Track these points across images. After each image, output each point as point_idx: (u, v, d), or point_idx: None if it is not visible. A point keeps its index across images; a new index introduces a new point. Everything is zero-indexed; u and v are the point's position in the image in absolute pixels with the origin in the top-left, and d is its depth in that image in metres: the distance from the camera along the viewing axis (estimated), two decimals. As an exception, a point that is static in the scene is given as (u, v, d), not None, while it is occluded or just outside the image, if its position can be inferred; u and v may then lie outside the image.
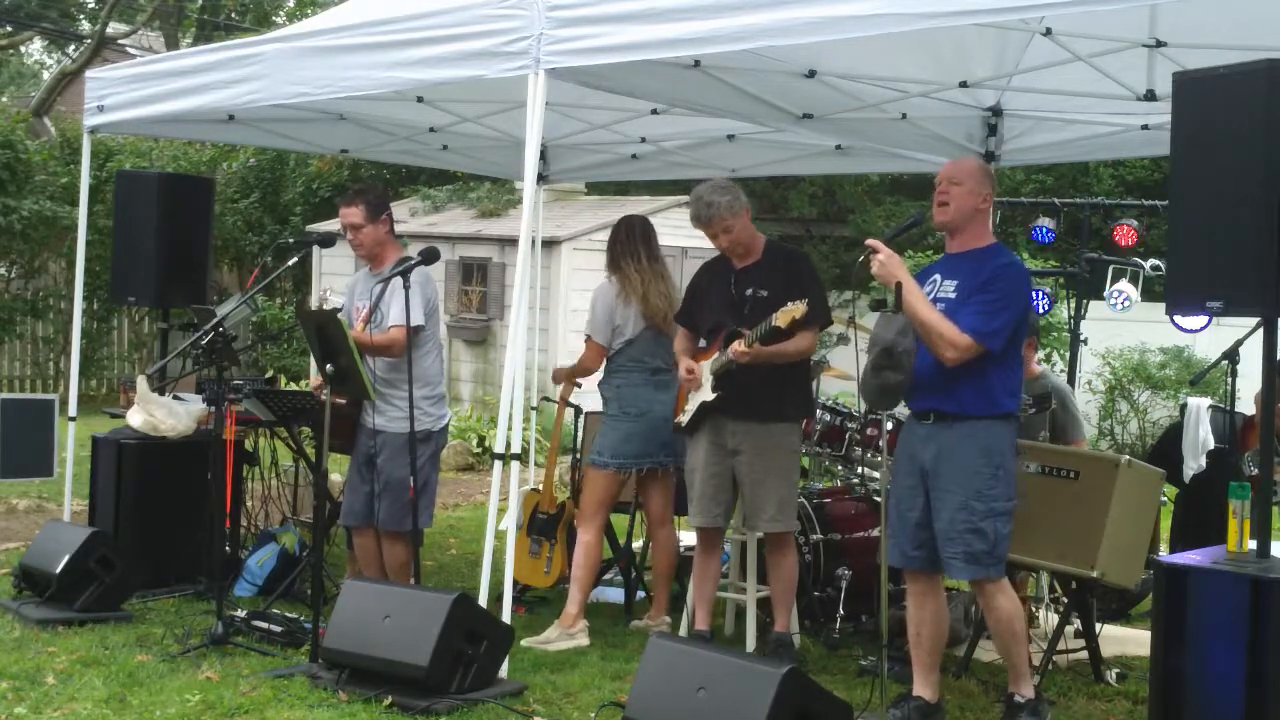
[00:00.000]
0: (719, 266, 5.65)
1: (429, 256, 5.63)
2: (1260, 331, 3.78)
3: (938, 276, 4.70)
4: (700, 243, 16.01)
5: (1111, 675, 5.44)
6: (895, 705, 4.68)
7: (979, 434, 4.51)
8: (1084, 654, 5.54)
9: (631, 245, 6.04)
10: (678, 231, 14.52)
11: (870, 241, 4.56)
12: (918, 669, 4.72)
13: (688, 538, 7.03)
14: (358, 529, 5.95)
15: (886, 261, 4.49)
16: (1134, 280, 8.76)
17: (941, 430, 4.56)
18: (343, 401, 5.57)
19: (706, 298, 5.63)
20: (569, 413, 6.89)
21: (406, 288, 5.42)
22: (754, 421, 5.41)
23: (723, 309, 5.49)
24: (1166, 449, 6.71)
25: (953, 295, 4.58)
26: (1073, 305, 8.76)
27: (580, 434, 6.93)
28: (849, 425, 6.19)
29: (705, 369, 5.48)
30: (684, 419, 5.59)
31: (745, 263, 5.52)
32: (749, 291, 5.43)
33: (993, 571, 4.54)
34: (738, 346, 5.23)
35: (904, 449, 4.75)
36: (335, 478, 7.01)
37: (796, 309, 5.06)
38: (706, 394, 5.45)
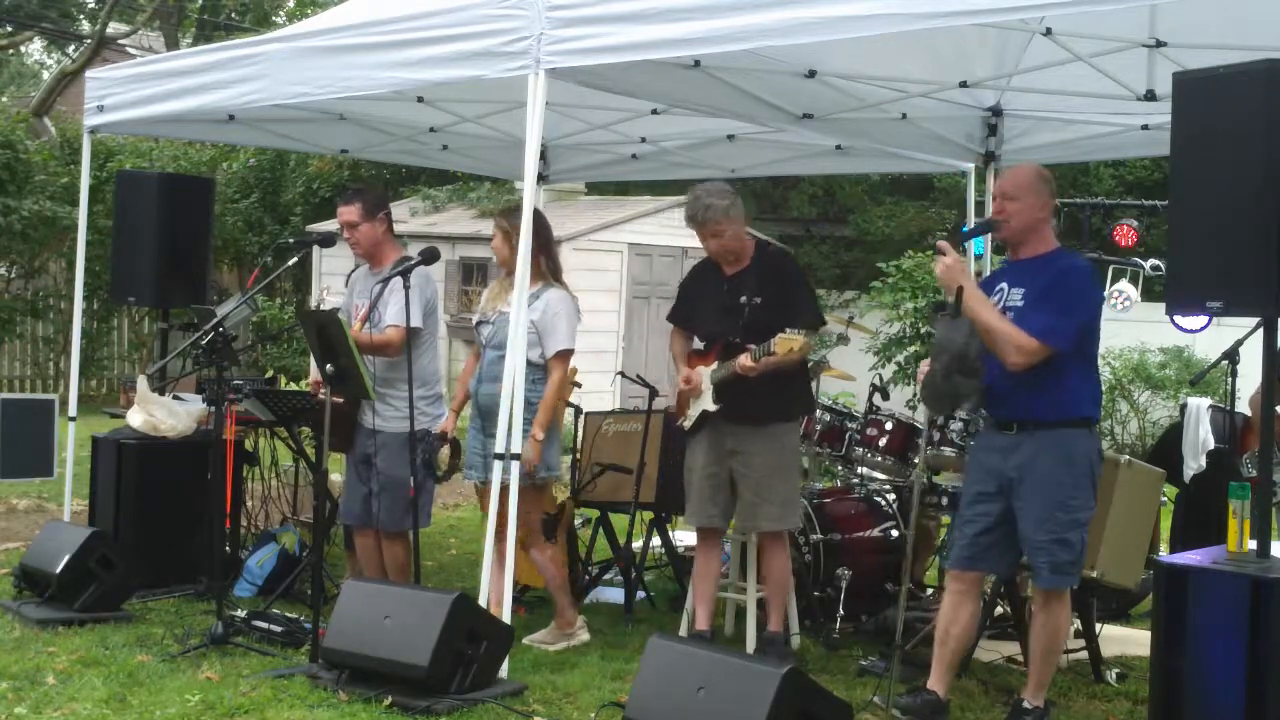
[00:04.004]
0: (709, 270, 5.66)
1: (429, 256, 5.63)
2: (1260, 331, 3.78)
3: (1004, 285, 4.70)
4: (699, 243, 15.95)
5: (1111, 675, 5.44)
6: (909, 693, 4.70)
7: (1062, 443, 4.51)
8: (1084, 654, 5.54)
9: (555, 251, 5.78)
10: (678, 232, 14.55)
11: (939, 243, 4.57)
12: (937, 665, 4.74)
13: (688, 537, 7.04)
14: (358, 529, 5.95)
15: (951, 265, 4.49)
16: (1134, 280, 8.77)
17: (1025, 440, 4.55)
18: (340, 401, 5.57)
19: (700, 301, 5.65)
20: (569, 412, 6.90)
21: (406, 288, 5.42)
22: (754, 424, 5.41)
23: (719, 317, 5.50)
24: (1166, 449, 6.71)
25: (1021, 303, 4.58)
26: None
27: (580, 434, 6.93)
28: (849, 425, 6.19)
29: (705, 376, 5.49)
30: (686, 424, 5.62)
31: (735, 269, 5.52)
32: (743, 299, 5.44)
33: (1072, 580, 4.62)
34: (745, 361, 5.23)
35: (979, 457, 4.77)
36: (335, 478, 7.00)
37: (794, 341, 5.03)
38: (708, 403, 5.48)
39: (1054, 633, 4.66)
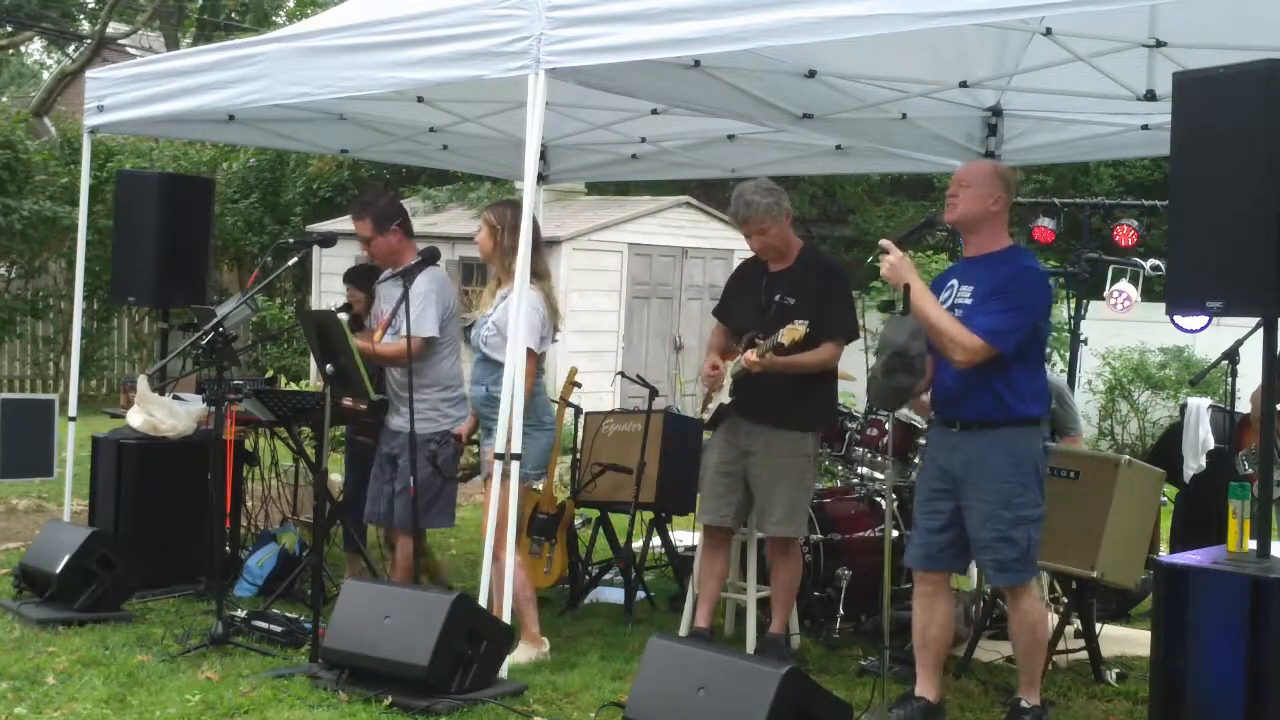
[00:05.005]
0: (754, 268, 5.67)
1: (429, 256, 5.66)
2: (1260, 331, 3.78)
3: (955, 281, 4.71)
4: (699, 243, 16.01)
5: (1111, 675, 5.44)
6: (898, 704, 4.69)
7: (1006, 441, 4.52)
8: (1084, 654, 5.54)
9: (543, 251, 5.66)
10: (679, 232, 14.59)
11: (883, 242, 4.55)
12: (922, 669, 4.73)
13: (688, 537, 7.04)
14: (390, 529, 5.96)
15: (897, 264, 4.47)
16: (1134, 280, 8.76)
17: (969, 438, 4.57)
18: (363, 408, 5.66)
19: (739, 297, 5.67)
20: (569, 413, 6.91)
21: (406, 289, 5.41)
22: (768, 426, 5.41)
23: (750, 312, 5.50)
24: (1166, 449, 6.71)
25: (969, 301, 4.58)
26: (1073, 305, 8.77)
27: (580, 434, 6.93)
28: (849, 425, 6.19)
29: (727, 369, 5.49)
30: (705, 416, 5.64)
31: (778, 267, 5.52)
32: (776, 297, 5.42)
33: (1024, 577, 4.59)
34: (750, 355, 5.24)
35: (931, 454, 4.78)
36: (335, 478, 7.01)
37: (796, 330, 5.05)
38: (725, 396, 5.48)
39: (1030, 628, 4.65)
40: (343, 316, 5.47)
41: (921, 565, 4.74)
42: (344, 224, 14.78)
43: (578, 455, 6.93)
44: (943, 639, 4.76)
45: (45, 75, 29.59)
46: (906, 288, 4.42)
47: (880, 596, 6.02)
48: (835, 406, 5.80)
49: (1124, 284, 8.75)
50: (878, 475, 6.35)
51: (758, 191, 5.42)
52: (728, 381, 5.48)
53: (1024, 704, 4.67)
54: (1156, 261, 8.36)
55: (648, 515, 6.61)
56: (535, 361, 5.42)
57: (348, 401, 5.77)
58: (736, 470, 5.50)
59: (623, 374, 8.08)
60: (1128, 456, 5.32)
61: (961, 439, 4.60)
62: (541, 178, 7.71)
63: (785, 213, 5.46)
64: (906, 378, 4.40)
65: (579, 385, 6.83)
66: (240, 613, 5.68)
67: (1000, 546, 4.50)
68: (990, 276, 4.57)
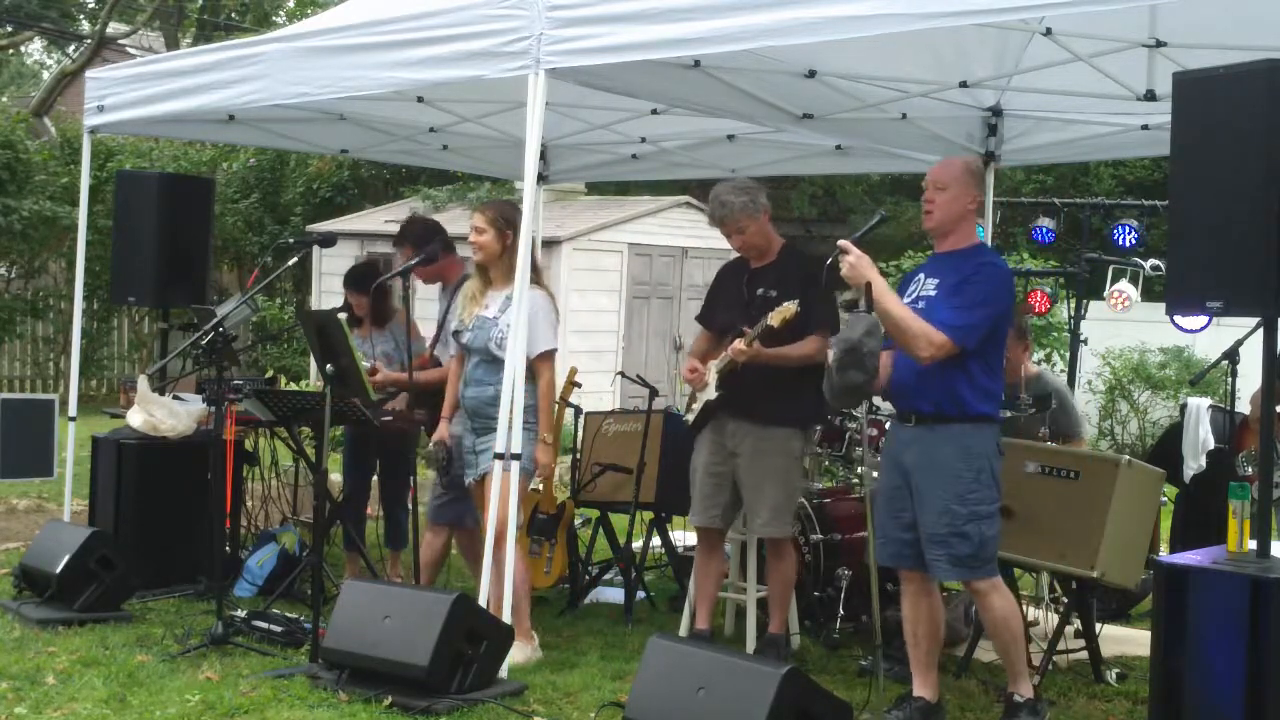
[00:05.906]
0: (736, 267, 5.66)
1: (429, 257, 5.65)
2: (1260, 331, 3.78)
3: (921, 275, 4.74)
4: (699, 243, 16.01)
5: (1111, 675, 5.45)
6: (896, 706, 4.69)
7: (959, 436, 4.53)
8: (1084, 654, 5.54)
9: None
10: (678, 232, 14.59)
11: (841, 242, 4.51)
12: (916, 669, 4.73)
13: (688, 537, 7.04)
14: (433, 526, 5.94)
15: (856, 262, 4.44)
16: (1134, 280, 8.77)
17: (923, 433, 4.58)
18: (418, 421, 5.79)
19: (723, 298, 5.65)
20: (569, 413, 6.90)
21: (406, 288, 5.44)
22: (753, 423, 5.39)
23: (734, 309, 5.49)
24: (1167, 449, 6.71)
25: (933, 293, 4.60)
26: (1073, 305, 8.77)
27: (580, 434, 6.93)
28: (849, 425, 6.19)
29: (711, 368, 5.48)
30: (690, 416, 5.61)
31: (760, 263, 5.51)
32: (759, 292, 5.41)
33: (980, 573, 4.56)
34: (737, 344, 5.23)
35: (889, 451, 4.78)
36: (335, 478, 7.01)
37: (787, 309, 5.05)
38: (710, 393, 5.47)
39: (1003, 623, 4.63)
40: (342, 316, 5.47)
41: (895, 564, 4.74)
42: (344, 224, 14.84)
43: (578, 455, 6.93)
44: (933, 636, 4.76)
45: (45, 75, 29.60)
46: (868, 285, 4.42)
47: (880, 596, 6.06)
48: (823, 401, 5.78)
49: (1124, 284, 8.75)
50: (877, 475, 6.34)
51: (733, 191, 5.41)
52: (712, 378, 5.47)
53: (1017, 698, 4.66)
54: (1156, 261, 8.36)
55: (648, 515, 6.61)
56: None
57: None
58: (725, 470, 5.49)
59: (623, 374, 8.09)
60: (1128, 456, 5.32)
61: (917, 434, 4.60)
62: (541, 178, 7.70)
63: (763, 209, 5.44)
64: (859, 374, 4.34)
65: (579, 385, 6.83)
66: (240, 613, 5.68)
67: (955, 541, 4.49)
68: (955, 271, 4.59)
